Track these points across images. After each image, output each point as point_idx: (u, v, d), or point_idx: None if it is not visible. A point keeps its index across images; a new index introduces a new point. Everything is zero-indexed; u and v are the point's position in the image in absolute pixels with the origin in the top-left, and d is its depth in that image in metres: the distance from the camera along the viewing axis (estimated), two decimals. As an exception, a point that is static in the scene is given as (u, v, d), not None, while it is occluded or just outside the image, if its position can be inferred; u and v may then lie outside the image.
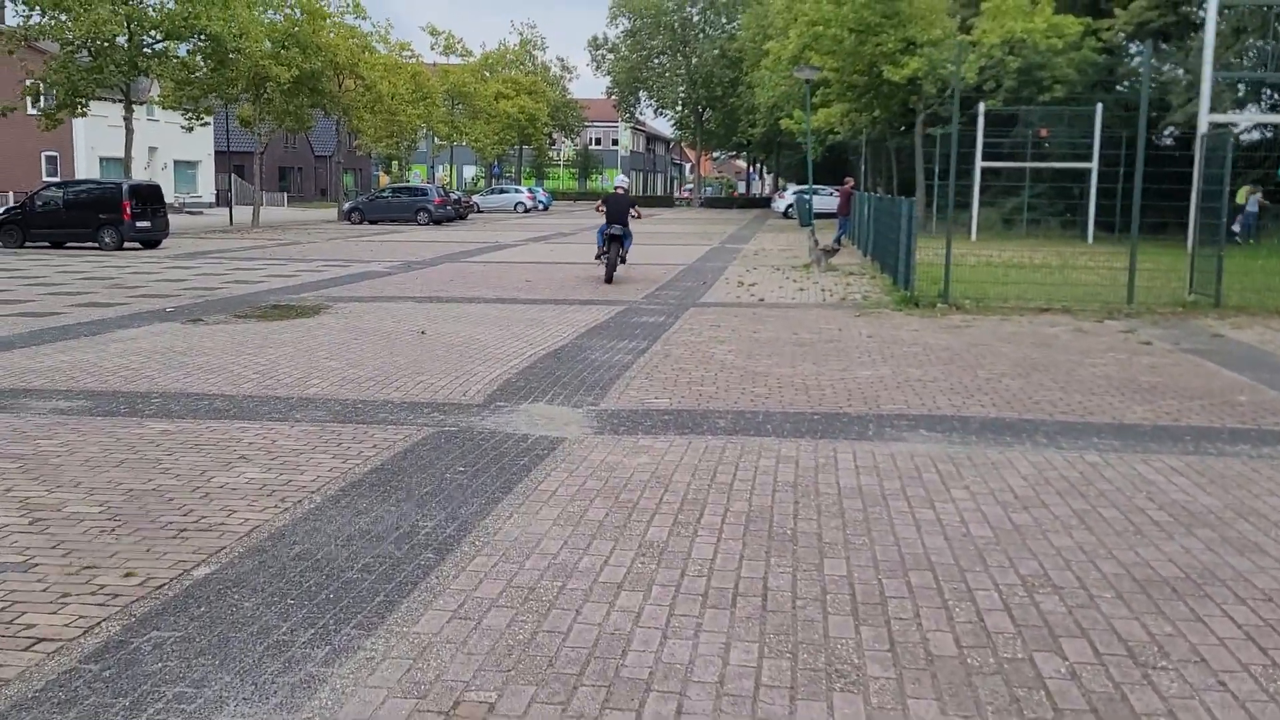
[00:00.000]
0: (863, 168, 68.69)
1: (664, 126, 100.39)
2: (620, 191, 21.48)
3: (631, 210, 20.36)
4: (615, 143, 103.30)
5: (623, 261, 20.57)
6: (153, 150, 55.55)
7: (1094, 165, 33.43)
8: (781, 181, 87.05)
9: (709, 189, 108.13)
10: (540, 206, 64.61)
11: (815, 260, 22.38)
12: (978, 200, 35.84)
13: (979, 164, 34.02)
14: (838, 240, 27.29)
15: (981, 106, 34.01)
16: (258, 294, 17.76)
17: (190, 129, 43.09)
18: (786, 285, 19.42)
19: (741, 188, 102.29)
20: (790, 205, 54.23)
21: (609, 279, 19.66)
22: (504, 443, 7.52)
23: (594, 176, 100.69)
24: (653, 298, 17.38)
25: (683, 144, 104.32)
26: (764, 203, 75.75)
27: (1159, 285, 17.72)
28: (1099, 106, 33.45)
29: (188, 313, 15.12)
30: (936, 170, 37.13)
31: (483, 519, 5.79)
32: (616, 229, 19.95)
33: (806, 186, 29.75)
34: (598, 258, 20.42)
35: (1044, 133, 35.46)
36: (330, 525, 5.65)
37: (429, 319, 14.38)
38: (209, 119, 45.07)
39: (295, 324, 13.91)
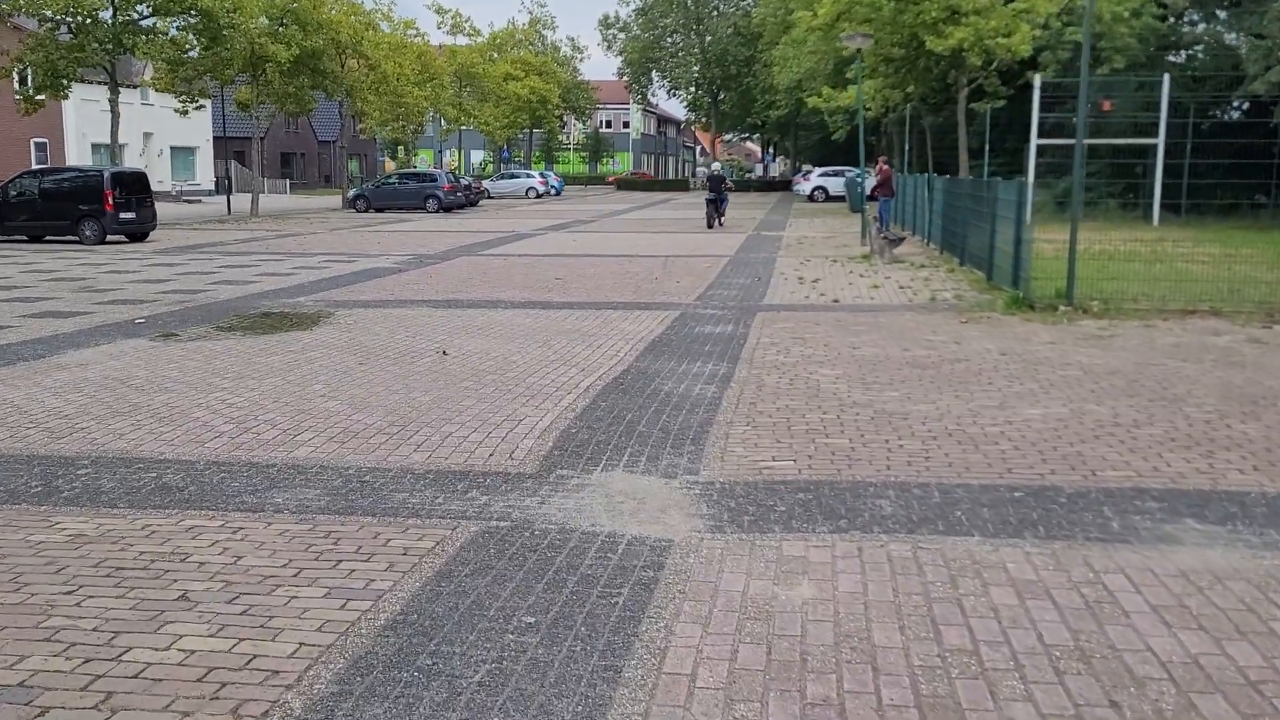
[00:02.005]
0: (883, 146, 65.95)
1: (675, 108, 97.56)
2: (715, 171, 35.18)
3: (724, 184, 32.95)
4: (626, 125, 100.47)
5: (721, 217, 31.76)
6: (148, 136, 53.05)
7: (1160, 141, 30.71)
8: (800, 164, 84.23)
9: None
10: (553, 191, 61.97)
11: (877, 251, 19.81)
12: (1032, 181, 33.08)
13: (1034, 141, 31.27)
14: (885, 225, 24.72)
15: (1037, 79, 31.29)
16: (247, 298, 15.25)
17: (185, 113, 40.54)
18: (856, 281, 16.86)
19: (759, 170, 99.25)
20: (817, 188, 51.50)
21: (710, 226, 31.04)
22: (583, 554, 5.01)
23: (605, 160, 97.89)
24: (707, 299, 14.84)
25: (694, 126, 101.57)
26: (784, 185, 72.86)
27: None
28: (1166, 77, 30.73)
29: (160, 325, 12.62)
30: (986, 149, 34.68)
31: (586, 754, 3.30)
32: (711, 195, 31.93)
33: (858, 169, 27.08)
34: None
35: (1107, 106, 32.74)
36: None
37: (449, 332, 11.87)
38: (205, 102, 42.56)
39: (288, 340, 11.40)
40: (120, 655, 3.92)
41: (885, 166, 27.90)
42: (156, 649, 3.98)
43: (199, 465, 6.51)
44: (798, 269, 18.90)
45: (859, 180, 25.30)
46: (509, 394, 8.49)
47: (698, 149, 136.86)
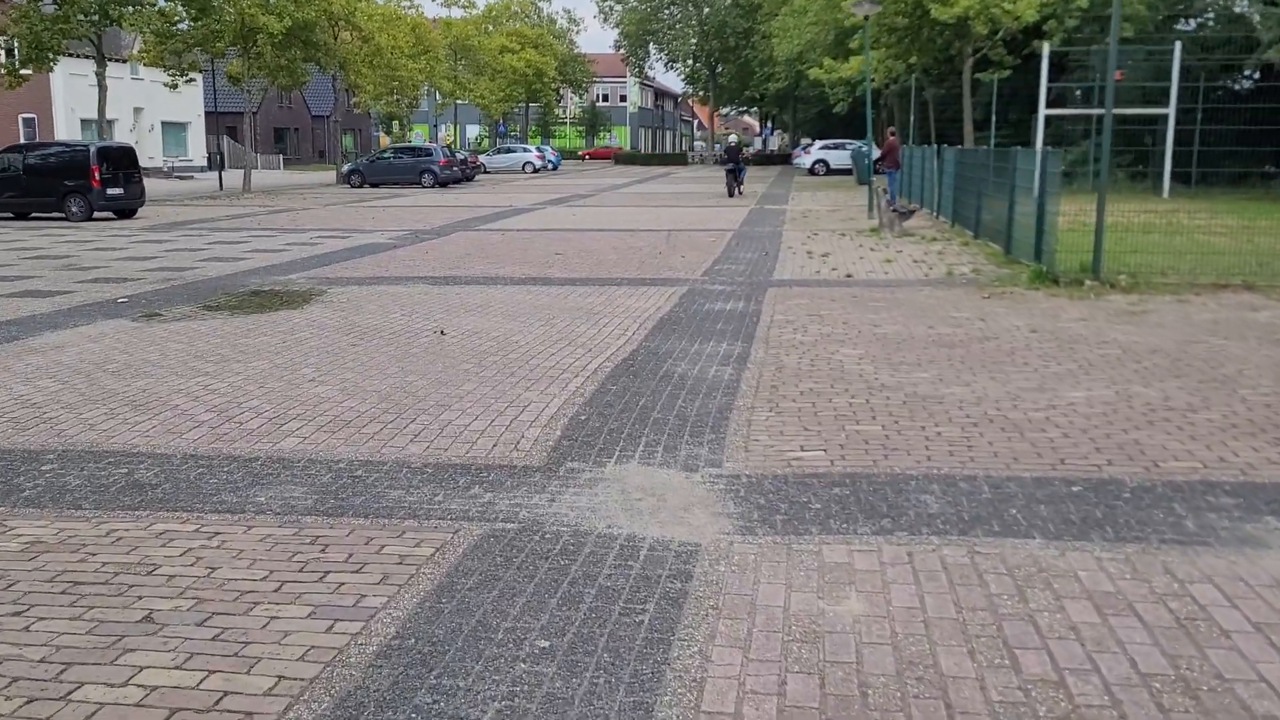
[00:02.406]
0: (884, 118, 65.04)
1: (673, 82, 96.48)
2: (732, 143, 36.72)
3: (741, 154, 35.26)
4: (623, 99, 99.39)
5: (740, 185, 34.09)
6: (138, 111, 52.20)
7: (1171, 111, 30.06)
8: (798, 137, 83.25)
9: (718, 146, 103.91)
10: (550, 166, 61.15)
11: (887, 224, 19.22)
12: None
13: (1042, 111, 30.61)
14: (893, 198, 24.10)
15: (1045, 48, 30.57)
16: (237, 275, 14.66)
17: (176, 87, 39.73)
18: (867, 256, 16.27)
19: (757, 144, 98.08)
20: (818, 161, 50.77)
21: (730, 194, 33.11)
22: (600, 562, 4.47)
23: (602, 135, 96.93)
24: (714, 274, 14.27)
25: (691, 100, 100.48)
26: (782, 159, 72.07)
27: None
28: (1178, 45, 30.03)
29: (144, 304, 12.04)
30: (993, 120, 33.98)
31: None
32: (731, 166, 34.22)
33: (862, 141, 26.36)
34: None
35: (1119, 75, 31.98)
36: None
37: (447, 310, 11.29)
38: (196, 76, 41.75)
39: (277, 320, 10.82)
40: (69, 693, 3.38)
41: (892, 138, 27.27)
42: (112, 685, 3.43)
43: (175, 459, 5.96)
44: (805, 243, 18.30)
45: (866, 152, 24.59)
46: (512, 377, 7.93)
47: (695, 123, 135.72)
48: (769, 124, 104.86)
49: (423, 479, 5.59)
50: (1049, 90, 43.45)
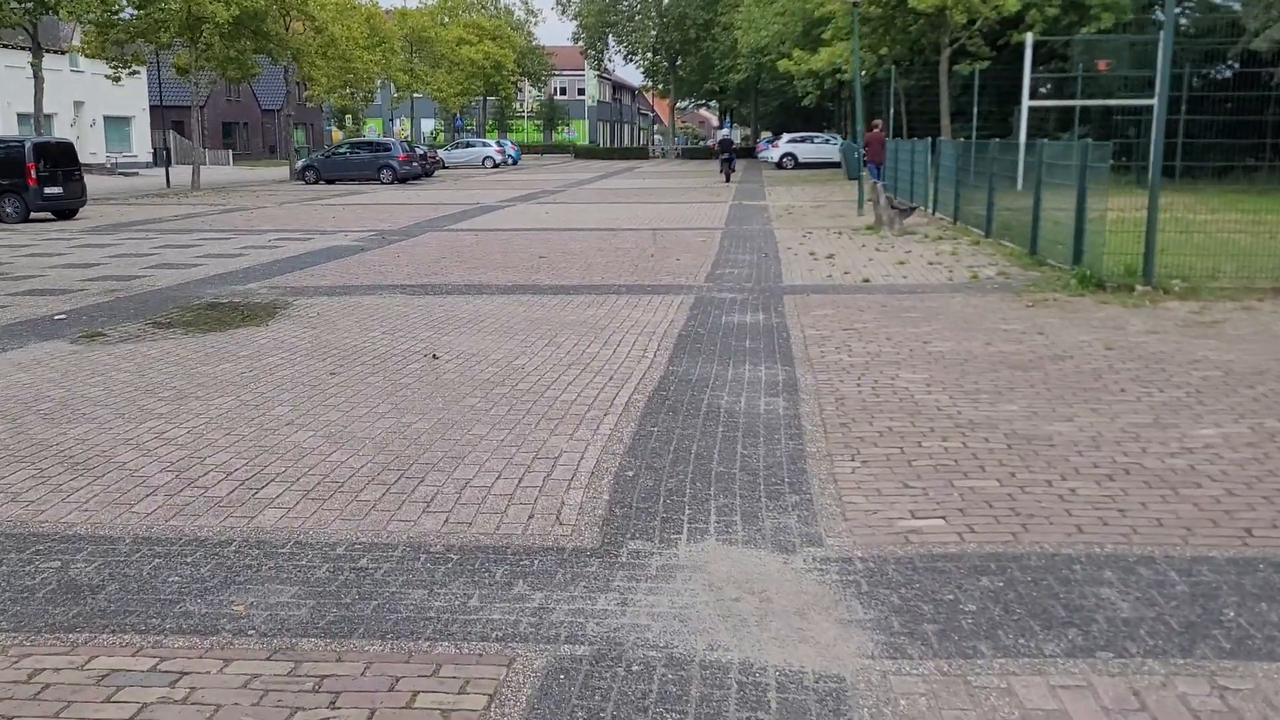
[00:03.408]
0: (845, 111, 64.23)
1: (631, 75, 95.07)
2: (725, 135, 44.13)
3: (733, 146, 42.20)
4: (581, 92, 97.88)
5: (734, 171, 40.27)
6: (79, 105, 50.01)
7: (1157, 101, 29.19)
8: (759, 130, 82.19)
9: (678, 139, 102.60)
10: (510, 161, 59.64)
11: (886, 221, 18.11)
12: (1024, 146, 31.62)
13: (1026, 103, 29.69)
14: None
15: (1029, 38, 29.64)
16: (190, 284, 13.22)
17: (119, 79, 37.83)
18: (876, 257, 15.14)
19: (722, 136, 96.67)
20: (786, 155, 49.74)
21: (726, 180, 38.07)
22: (720, 713, 3.23)
23: (559, 129, 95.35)
24: (718, 279, 13.06)
25: (650, 93, 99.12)
26: (747, 153, 71.05)
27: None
28: (1163, 34, 29.20)
29: (85, 321, 10.61)
30: (975, 111, 33.06)
31: None
32: (725, 155, 40.11)
33: (851, 136, 25.22)
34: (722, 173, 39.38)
35: (1103, 65, 31.24)
36: None
37: (433, 326, 9.99)
38: (140, 69, 39.84)
39: (239, 340, 9.45)
40: None
41: (877, 131, 26.24)
42: None
43: (123, 544, 4.64)
44: (803, 242, 17.15)
45: (856, 146, 23.50)
46: (529, 416, 6.66)
47: (652, 116, 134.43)
48: (728, 118, 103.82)
49: (448, 571, 4.32)
50: (1033, 82, 42.81)
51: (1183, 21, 34.91)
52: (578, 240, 18.12)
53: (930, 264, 14.20)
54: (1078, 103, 30.71)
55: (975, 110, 32.02)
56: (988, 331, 9.34)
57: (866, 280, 12.79)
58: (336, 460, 5.78)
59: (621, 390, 7.31)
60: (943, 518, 4.87)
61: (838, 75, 40.88)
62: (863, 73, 42.32)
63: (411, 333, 9.69)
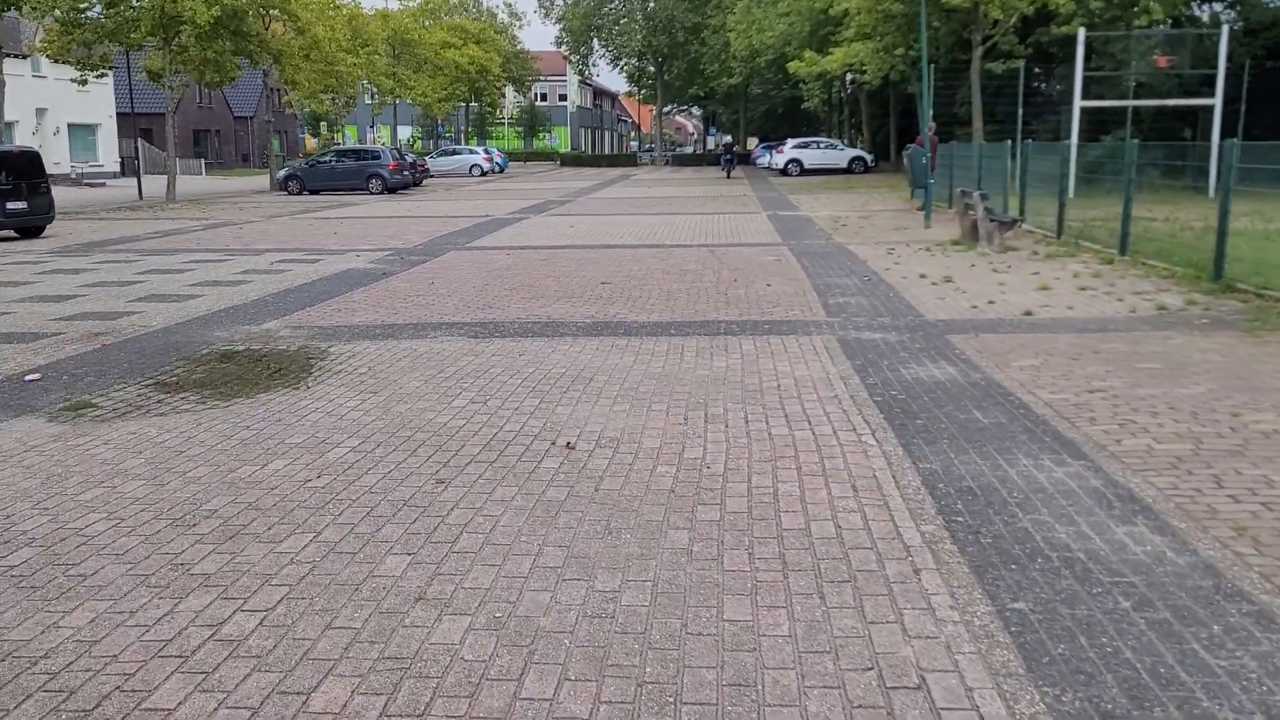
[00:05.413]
0: (844, 117, 62.16)
1: (613, 80, 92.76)
2: (727, 140, 61.45)
3: (733, 147, 55.30)
4: (563, 98, 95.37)
5: (732, 167, 51.20)
6: (41, 112, 47.04)
7: (1217, 101, 27.21)
8: (746, 136, 79.93)
9: (661, 147, 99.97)
10: (498, 169, 57.08)
11: (984, 237, 15.82)
12: (1075, 149, 29.49)
13: (1078, 102, 27.55)
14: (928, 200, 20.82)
15: (1081, 33, 27.52)
16: (191, 324, 10.69)
17: (85, 83, 35.07)
18: (1007, 280, 12.82)
19: (712, 143, 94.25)
20: (791, 161, 47.50)
21: (727, 175, 48.60)
22: None
23: (541, 135, 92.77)
24: (839, 311, 10.70)
25: (635, 98, 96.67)
26: (743, 159, 68.81)
27: None
28: (1225, 29, 27.23)
29: (66, 381, 8.07)
30: (1020, 113, 30.91)
31: None
32: (728, 157, 51.40)
33: (918, 142, 22.88)
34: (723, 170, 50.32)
35: (1164, 61, 29.17)
36: None
37: (529, 387, 7.55)
38: (108, 72, 37.02)
39: (278, 413, 6.96)
40: None
41: (933, 136, 23.99)
42: None
43: None
44: (897, 262, 14.81)
45: (924, 151, 21.19)
46: (794, 575, 4.22)
47: (630, 122, 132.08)
48: (711, 123, 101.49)
49: None
50: (1046, 82, 40.63)
51: (1230, 16, 33.00)
52: (630, 260, 15.68)
53: (1082, 290, 11.89)
54: (1130, 103, 28.60)
55: (1020, 111, 29.88)
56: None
57: (1029, 314, 10.45)
58: (536, 697, 3.32)
59: (893, 514, 4.89)
60: None
61: (861, 76, 38.68)
62: (897, 74, 40.10)
63: (507, 399, 7.24)
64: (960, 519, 4.79)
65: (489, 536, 4.68)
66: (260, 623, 3.85)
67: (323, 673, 3.48)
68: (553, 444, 6.14)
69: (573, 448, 6.05)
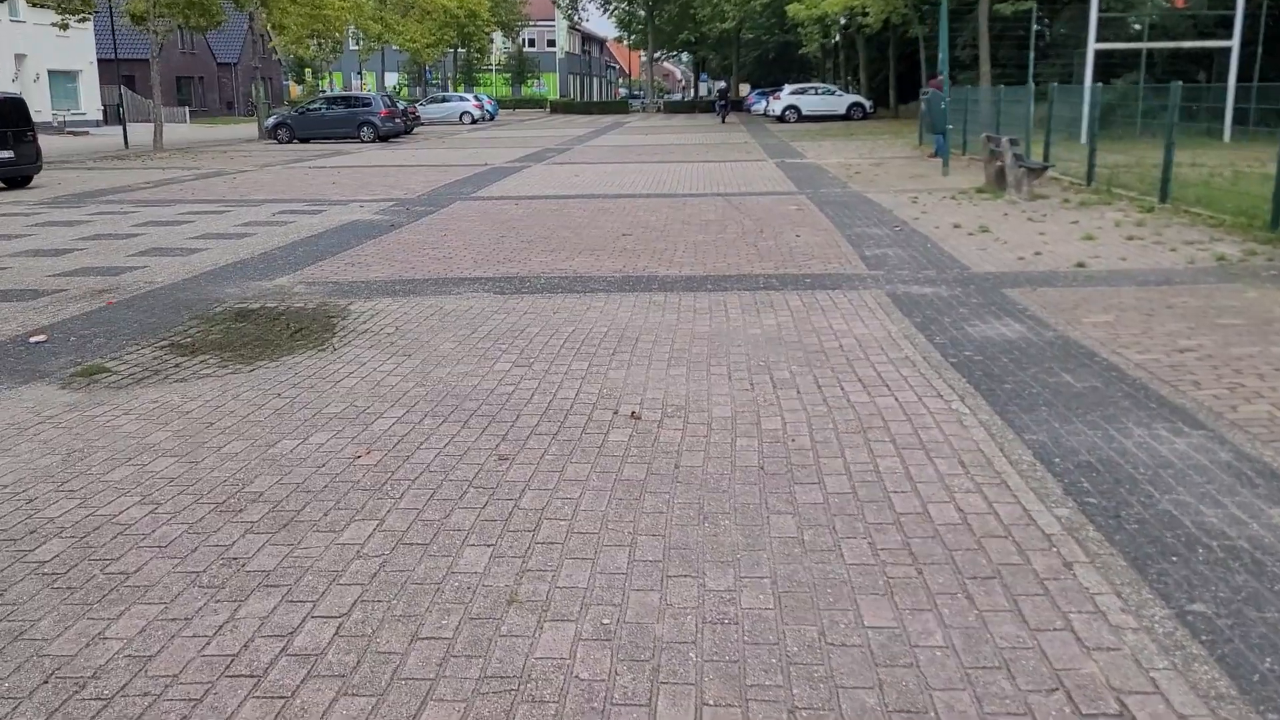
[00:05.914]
0: (839, 62, 61.12)
1: (601, 25, 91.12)
2: (722, 86, 58.07)
3: (727, 92, 55.06)
4: (551, 44, 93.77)
5: (727, 113, 51.74)
6: (20, 59, 45.76)
7: (1235, 43, 26.56)
8: (737, 83, 78.68)
9: (640, 92, 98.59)
10: (489, 116, 56.02)
11: (1013, 184, 15.29)
12: (1089, 93, 28.84)
13: (1092, 45, 26.88)
14: (942, 146, 20.25)
15: (1099, -28, 26.74)
16: (199, 279, 10.13)
17: (66, 28, 33.96)
18: (1047, 230, 12.30)
19: (704, 90, 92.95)
20: (789, 108, 46.63)
21: (722, 121, 49.12)
22: None
23: (529, 82, 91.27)
24: (879, 264, 10.21)
25: (625, 44, 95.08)
26: (736, 105, 67.77)
27: None
28: (1243, -35, 26.47)
29: (75, 344, 7.53)
30: (1032, 57, 30.21)
31: None
32: (722, 103, 51.83)
33: (937, 86, 22.18)
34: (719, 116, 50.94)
35: (1180, 2, 28.45)
36: None
37: (572, 347, 7.06)
38: (89, 17, 35.86)
39: (307, 376, 6.44)
40: None
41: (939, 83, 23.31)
42: None
43: None
44: (925, 211, 14.28)
45: (943, 95, 20.53)
46: (936, 576, 3.76)
47: (617, 69, 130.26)
48: (701, 70, 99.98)
49: None
50: (1050, 26, 39.85)
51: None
52: (645, 211, 15.09)
53: (1129, 239, 11.40)
54: (1145, 44, 27.93)
55: (1031, 56, 29.17)
56: (1388, 353, 6.55)
57: (1081, 265, 9.96)
58: (679, 725, 2.85)
59: (1016, 495, 4.41)
60: None
61: (862, 19, 37.80)
62: (872, 17, 39.22)
63: (553, 362, 6.74)
64: (1093, 500, 4.33)
65: (572, 524, 4.20)
66: (336, 632, 3.37)
67: (420, 696, 3.00)
68: (615, 413, 5.66)
69: (639, 418, 5.56)
